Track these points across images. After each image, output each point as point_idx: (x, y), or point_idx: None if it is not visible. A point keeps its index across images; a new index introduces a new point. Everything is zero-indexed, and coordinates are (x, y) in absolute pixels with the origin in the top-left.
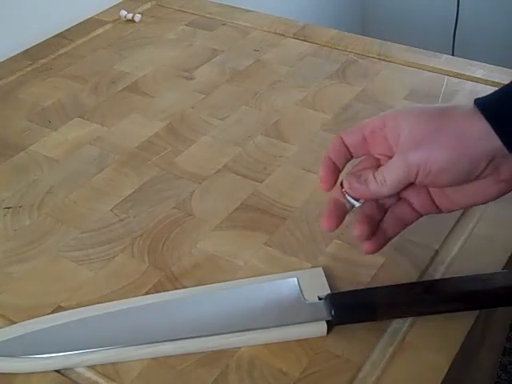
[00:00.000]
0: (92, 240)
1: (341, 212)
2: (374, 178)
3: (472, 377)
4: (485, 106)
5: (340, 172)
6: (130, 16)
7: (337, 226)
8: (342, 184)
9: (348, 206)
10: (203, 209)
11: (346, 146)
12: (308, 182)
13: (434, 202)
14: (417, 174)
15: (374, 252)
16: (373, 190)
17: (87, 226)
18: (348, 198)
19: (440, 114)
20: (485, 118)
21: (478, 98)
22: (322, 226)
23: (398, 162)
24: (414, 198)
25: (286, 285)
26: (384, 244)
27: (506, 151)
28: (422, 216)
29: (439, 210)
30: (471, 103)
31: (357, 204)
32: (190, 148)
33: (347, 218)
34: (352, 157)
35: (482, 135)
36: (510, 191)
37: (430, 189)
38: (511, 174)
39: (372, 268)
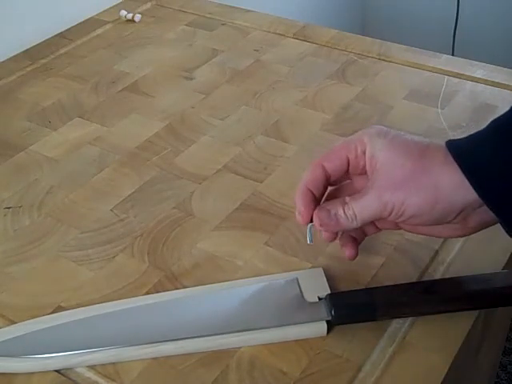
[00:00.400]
0: (92, 240)
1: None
2: (345, 214)
3: (472, 377)
4: (460, 155)
5: (318, 203)
6: (130, 16)
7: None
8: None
9: (308, 236)
10: (203, 209)
11: (326, 173)
12: None
13: (397, 224)
14: (390, 213)
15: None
16: (343, 225)
17: (87, 226)
18: (311, 231)
19: (419, 155)
20: (460, 170)
21: (452, 143)
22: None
23: (372, 199)
24: (381, 222)
25: (286, 285)
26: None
27: (477, 203)
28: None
29: (399, 228)
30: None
31: (311, 243)
32: (190, 148)
33: None
34: (330, 185)
35: (457, 188)
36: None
37: None
38: (478, 224)
39: (372, 268)
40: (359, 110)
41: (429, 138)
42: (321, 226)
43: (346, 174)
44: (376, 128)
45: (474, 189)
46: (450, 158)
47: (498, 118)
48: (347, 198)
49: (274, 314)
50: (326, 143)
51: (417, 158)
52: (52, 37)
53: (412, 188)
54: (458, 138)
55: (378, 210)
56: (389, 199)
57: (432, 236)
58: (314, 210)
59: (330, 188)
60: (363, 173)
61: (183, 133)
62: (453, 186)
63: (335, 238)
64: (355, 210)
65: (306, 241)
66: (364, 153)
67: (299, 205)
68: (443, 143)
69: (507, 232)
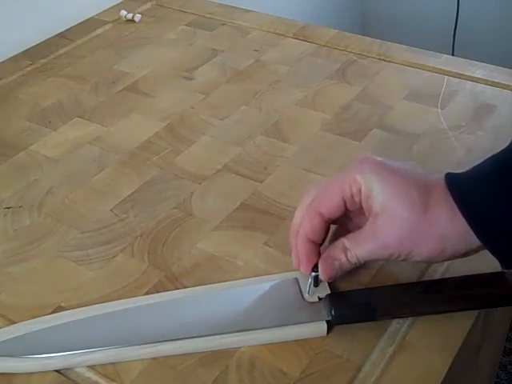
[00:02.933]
0: (92, 240)
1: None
2: (348, 261)
3: (472, 377)
4: (465, 206)
5: (320, 247)
6: (130, 16)
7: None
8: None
9: (308, 288)
10: (203, 209)
11: (325, 219)
12: (308, 182)
13: None
14: (395, 258)
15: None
16: (346, 269)
17: (87, 226)
18: (313, 280)
19: (423, 206)
20: (465, 221)
21: (455, 187)
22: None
23: (376, 246)
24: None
25: (286, 285)
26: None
27: (480, 248)
28: None
29: None
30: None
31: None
32: (190, 148)
33: None
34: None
35: (463, 237)
36: None
37: None
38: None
39: (372, 268)
40: (359, 110)
41: (429, 138)
42: (325, 276)
43: (345, 211)
44: (368, 163)
45: (476, 235)
46: (454, 206)
47: (500, 154)
48: (347, 243)
49: (274, 314)
50: (326, 143)
51: (420, 211)
52: (52, 37)
53: (419, 241)
54: (458, 172)
55: (382, 256)
56: (395, 251)
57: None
58: (316, 257)
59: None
60: (361, 209)
61: (183, 133)
62: (459, 236)
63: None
64: (358, 256)
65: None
66: (359, 191)
67: (302, 257)
68: (442, 180)
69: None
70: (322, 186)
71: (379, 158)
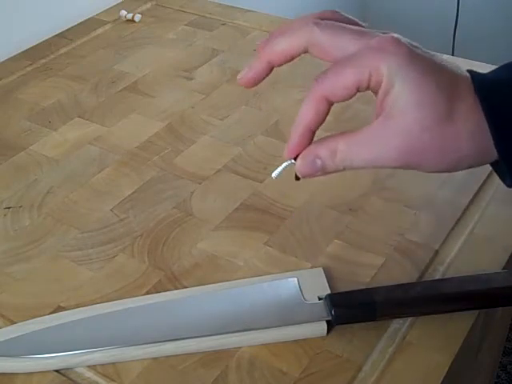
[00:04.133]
0: (92, 240)
1: None
2: (334, 164)
3: (472, 377)
4: (496, 115)
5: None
6: (130, 16)
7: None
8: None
9: (277, 170)
10: (203, 209)
11: (330, 107)
12: (308, 182)
13: None
14: (392, 167)
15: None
16: (329, 172)
17: (87, 226)
18: (286, 167)
19: (447, 114)
20: (490, 133)
21: (485, 96)
22: (241, 81)
23: (380, 152)
24: None
25: (286, 285)
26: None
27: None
28: None
29: None
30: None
31: (276, 178)
32: (190, 148)
33: (347, 217)
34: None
35: (481, 152)
36: None
37: None
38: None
39: (372, 268)
40: (359, 110)
41: None
42: (303, 175)
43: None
44: (397, 50)
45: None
46: (481, 119)
47: None
48: (341, 144)
49: (274, 314)
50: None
51: (444, 123)
52: (52, 37)
53: (434, 155)
54: (487, 74)
55: (381, 166)
56: (402, 163)
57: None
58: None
59: None
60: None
61: (183, 133)
62: (479, 151)
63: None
64: (353, 161)
65: (306, 240)
66: (379, 83)
67: (292, 143)
68: (471, 86)
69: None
70: (333, 67)
71: (409, 44)
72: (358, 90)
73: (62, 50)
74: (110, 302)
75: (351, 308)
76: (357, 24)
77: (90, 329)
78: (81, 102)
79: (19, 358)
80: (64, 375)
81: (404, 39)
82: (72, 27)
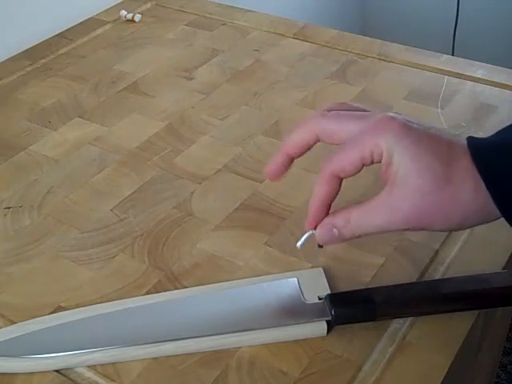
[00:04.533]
0: (92, 240)
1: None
2: (348, 231)
3: (472, 377)
4: (490, 176)
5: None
6: (130, 16)
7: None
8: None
9: (301, 240)
10: (203, 209)
11: (341, 183)
12: (308, 182)
13: None
14: (401, 229)
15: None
16: (346, 239)
17: (87, 225)
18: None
19: (446, 181)
20: (488, 192)
21: (479, 158)
22: (267, 175)
23: (388, 217)
24: None
25: (286, 285)
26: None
27: (497, 218)
28: None
29: None
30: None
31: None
32: (190, 148)
33: None
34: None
35: (483, 210)
36: None
37: None
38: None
39: (372, 268)
40: None
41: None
42: (323, 243)
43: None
44: (391, 126)
45: (504, 216)
46: (478, 180)
47: None
48: (353, 213)
49: (274, 314)
50: (326, 143)
51: (443, 185)
52: (52, 37)
53: (438, 216)
54: (482, 139)
55: (391, 229)
56: (410, 225)
57: None
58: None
59: None
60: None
61: (183, 133)
62: (480, 210)
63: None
64: (364, 228)
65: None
66: (380, 156)
67: (312, 218)
68: (467, 150)
69: None
70: (339, 149)
71: (403, 120)
72: (364, 164)
73: (62, 50)
74: (110, 302)
75: (351, 308)
76: (362, 110)
77: (89, 329)
78: (81, 102)
79: (19, 358)
80: (64, 375)
81: (399, 116)
82: (72, 27)
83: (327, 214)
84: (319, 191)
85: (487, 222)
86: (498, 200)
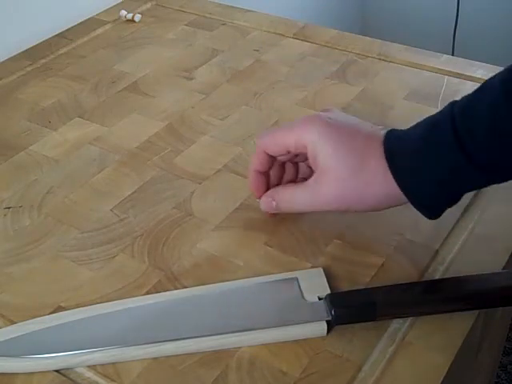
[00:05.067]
0: (92, 240)
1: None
2: (284, 206)
3: (472, 377)
4: (393, 164)
5: (269, 175)
6: (130, 16)
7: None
8: None
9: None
10: (203, 209)
11: (271, 157)
12: None
13: None
14: (327, 210)
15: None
16: (283, 211)
17: (87, 225)
18: None
19: (362, 164)
20: (400, 189)
21: (388, 146)
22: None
23: (313, 201)
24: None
25: (286, 285)
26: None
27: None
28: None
29: None
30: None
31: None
32: (190, 148)
33: (348, 219)
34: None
35: (393, 195)
36: None
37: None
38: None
39: (372, 268)
40: (359, 110)
41: None
42: (265, 211)
43: (294, 153)
44: (314, 122)
45: (409, 199)
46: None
47: (435, 115)
48: (287, 194)
49: (274, 314)
50: None
51: (359, 172)
52: (52, 37)
53: (356, 199)
54: (399, 130)
55: (318, 210)
56: (333, 207)
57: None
58: (265, 186)
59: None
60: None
61: (183, 133)
62: (391, 194)
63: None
64: (294, 208)
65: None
66: (305, 148)
67: (252, 188)
68: (383, 139)
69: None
70: (273, 129)
71: (327, 118)
72: (288, 151)
73: (62, 50)
74: (110, 302)
75: (351, 308)
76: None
77: (89, 329)
78: (81, 102)
79: (19, 358)
80: (64, 375)
81: (325, 114)
82: (72, 27)
83: (266, 182)
84: (252, 161)
85: (398, 205)
86: (401, 185)
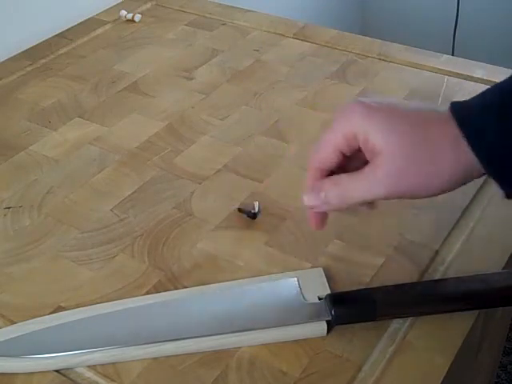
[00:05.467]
0: (92, 240)
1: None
2: (335, 195)
3: (472, 377)
4: (468, 127)
5: None
6: (130, 16)
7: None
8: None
9: None
10: (203, 209)
11: (325, 171)
12: None
13: None
14: (388, 197)
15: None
16: (333, 206)
17: (87, 225)
18: None
19: (423, 138)
20: (468, 144)
21: (458, 112)
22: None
23: (373, 183)
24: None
25: (286, 285)
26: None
27: (479, 176)
28: None
29: None
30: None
31: None
32: (190, 148)
33: (348, 218)
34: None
35: (463, 167)
36: None
37: None
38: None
39: (372, 268)
40: None
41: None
42: (310, 207)
43: (347, 156)
44: (358, 109)
45: (485, 168)
46: (458, 136)
47: (504, 82)
48: (341, 178)
49: (274, 314)
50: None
51: (421, 147)
52: (52, 37)
53: (420, 179)
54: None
55: (379, 195)
56: (394, 190)
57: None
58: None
59: None
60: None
61: (183, 133)
62: (461, 167)
63: (322, 227)
64: (353, 194)
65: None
66: (354, 138)
67: (312, 225)
68: (445, 112)
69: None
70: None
71: (369, 101)
72: (343, 152)
73: (62, 50)
74: (110, 302)
75: (351, 308)
76: None
77: (89, 329)
78: (81, 102)
79: (19, 358)
80: (64, 375)
81: (365, 99)
82: (72, 27)
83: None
84: (308, 181)
85: (467, 182)
86: (481, 155)
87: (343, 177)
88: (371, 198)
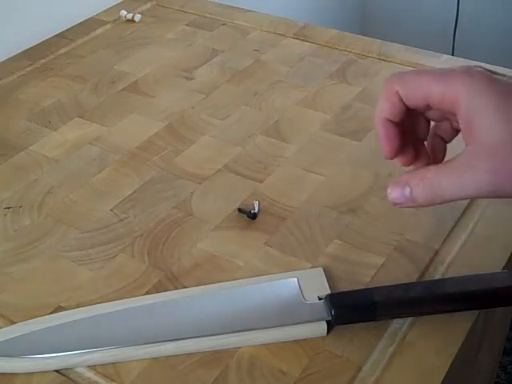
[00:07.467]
0: (92, 240)
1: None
2: (422, 191)
3: (472, 377)
4: None
5: (401, 129)
6: (130, 16)
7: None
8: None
9: None
10: (203, 209)
11: (403, 104)
12: (308, 182)
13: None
14: (488, 193)
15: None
16: (419, 203)
17: (87, 225)
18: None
19: None
20: None
21: None
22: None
23: (472, 176)
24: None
25: (286, 285)
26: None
27: None
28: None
29: None
30: None
31: None
32: (190, 148)
33: (348, 218)
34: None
35: None
36: None
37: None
38: None
39: (372, 268)
40: (359, 110)
41: None
42: (394, 203)
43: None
44: (477, 78)
45: None
46: None
47: None
48: (430, 172)
49: (274, 314)
50: (326, 143)
51: None
52: (52, 37)
53: None
54: None
55: (476, 192)
56: (498, 186)
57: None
58: (398, 140)
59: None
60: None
61: (183, 133)
62: None
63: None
64: (445, 189)
65: (306, 240)
66: (451, 103)
67: (382, 139)
68: None
69: None
70: (415, 70)
71: (489, 74)
72: (427, 102)
73: (62, 50)
74: (110, 302)
75: (351, 308)
76: None
77: (89, 329)
78: (81, 102)
79: (19, 358)
80: (64, 375)
81: (485, 71)
82: (72, 27)
83: (399, 136)
84: (379, 107)
85: None
86: None
87: (431, 170)
88: (466, 197)
